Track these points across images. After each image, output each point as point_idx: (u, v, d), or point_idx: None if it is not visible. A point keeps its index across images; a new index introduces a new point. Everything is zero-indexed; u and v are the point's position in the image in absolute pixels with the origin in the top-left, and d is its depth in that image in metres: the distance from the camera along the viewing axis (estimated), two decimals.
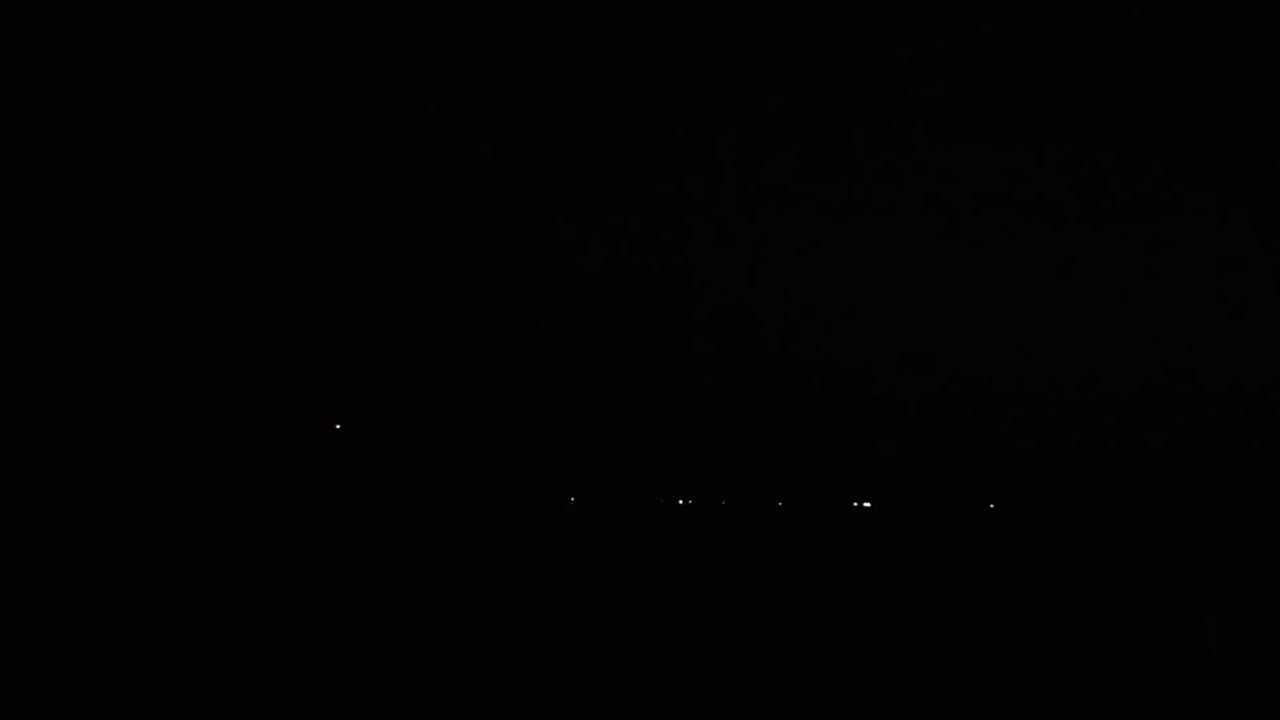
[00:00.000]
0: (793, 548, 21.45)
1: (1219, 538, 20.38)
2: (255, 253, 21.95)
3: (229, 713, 10.80)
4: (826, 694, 11.65)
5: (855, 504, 23.26)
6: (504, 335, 22.71)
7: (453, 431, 22.66)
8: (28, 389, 20.51)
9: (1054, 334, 22.92)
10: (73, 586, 15.64)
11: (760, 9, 22.17)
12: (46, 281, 20.88)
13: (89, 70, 21.01)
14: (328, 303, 22.20)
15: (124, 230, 21.42)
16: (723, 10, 22.21)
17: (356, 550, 19.35)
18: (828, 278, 23.24)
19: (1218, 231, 22.24)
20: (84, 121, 21.16)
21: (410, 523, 21.57)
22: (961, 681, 12.09)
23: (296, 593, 15.98)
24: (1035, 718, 11.11)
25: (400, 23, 22.03)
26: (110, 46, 21.03)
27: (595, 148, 22.75)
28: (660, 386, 22.99)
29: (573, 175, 22.76)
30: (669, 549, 20.97)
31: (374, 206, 22.44)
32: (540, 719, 10.89)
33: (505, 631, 14.00)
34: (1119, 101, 22.14)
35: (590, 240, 22.81)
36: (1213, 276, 22.17)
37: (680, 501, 23.41)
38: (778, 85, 22.52)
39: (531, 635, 13.90)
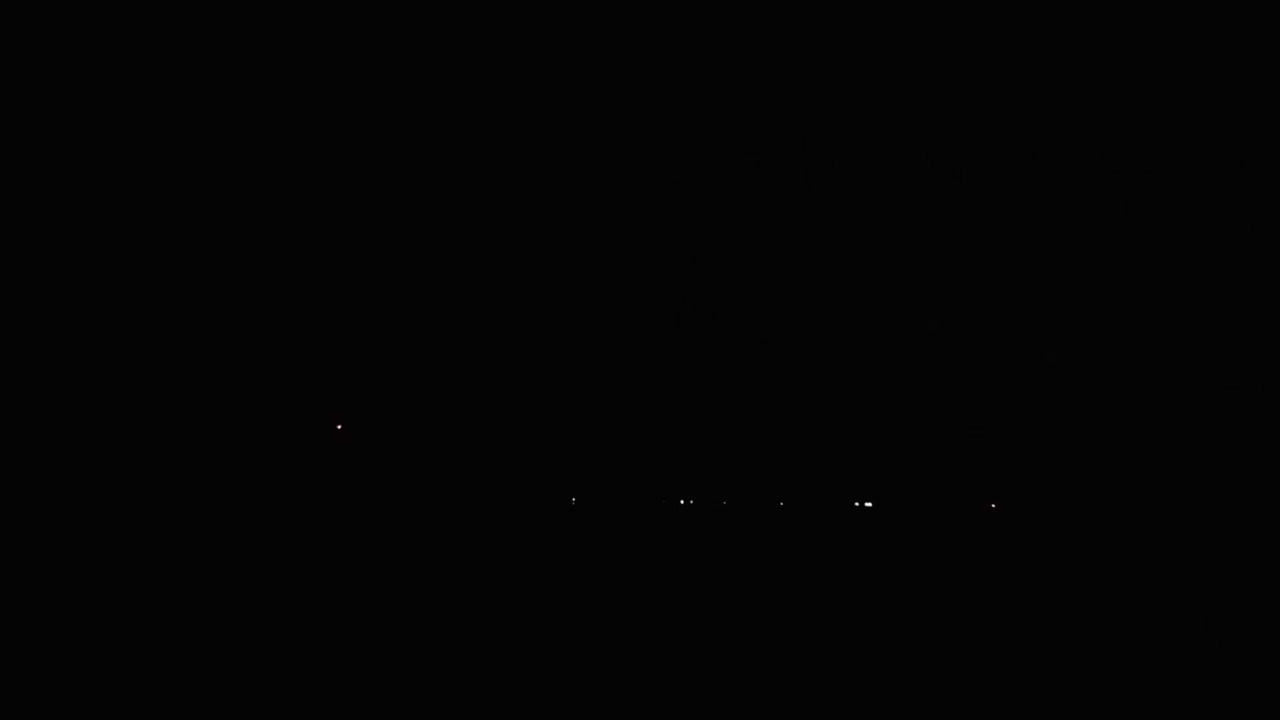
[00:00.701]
0: (794, 547, 21.45)
1: (1221, 539, 20.37)
2: (255, 252, 21.96)
3: (229, 713, 10.82)
4: (829, 695, 11.65)
5: (856, 504, 23.26)
6: (502, 335, 22.72)
7: (453, 431, 22.67)
8: (27, 389, 20.52)
9: (1056, 333, 22.92)
10: (72, 586, 15.65)
11: (762, 10, 22.18)
12: (47, 282, 20.89)
13: (89, 70, 21.02)
14: (328, 303, 22.21)
15: (124, 231, 21.43)
16: (724, 11, 22.21)
17: (356, 551, 19.36)
18: (829, 276, 23.24)
19: (1218, 232, 22.23)
20: (84, 121, 21.17)
21: (410, 523, 21.58)
22: (963, 682, 12.09)
23: (296, 593, 15.98)
24: (1036, 718, 11.12)
25: (404, 23, 22.04)
26: (110, 46, 21.05)
27: (591, 146, 22.76)
28: (660, 386, 22.99)
29: (570, 174, 22.77)
30: (671, 549, 20.98)
31: (374, 206, 22.45)
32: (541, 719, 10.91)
33: (506, 632, 14.00)
34: (1118, 102, 22.14)
35: (591, 241, 22.81)
36: (1214, 276, 22.17)
37: (682, 502, 23.42)
38: (775, 81, 22.53)
39: (532, 636, 13.90)
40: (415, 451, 22.45)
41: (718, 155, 22.98)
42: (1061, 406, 22.55)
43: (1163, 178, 22.30)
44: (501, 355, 22.73)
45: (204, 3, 21.15)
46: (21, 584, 15.75)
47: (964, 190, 23.04)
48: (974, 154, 22.81)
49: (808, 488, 23.24)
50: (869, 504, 23.13)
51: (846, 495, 23.18)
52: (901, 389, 23.02)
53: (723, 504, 23.32)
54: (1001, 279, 23.02)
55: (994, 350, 22.91)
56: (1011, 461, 22.61)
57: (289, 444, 21.75)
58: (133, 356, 21.19)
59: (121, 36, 21.06)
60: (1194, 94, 21.88)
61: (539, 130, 22.69)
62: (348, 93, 22.13)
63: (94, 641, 12.74)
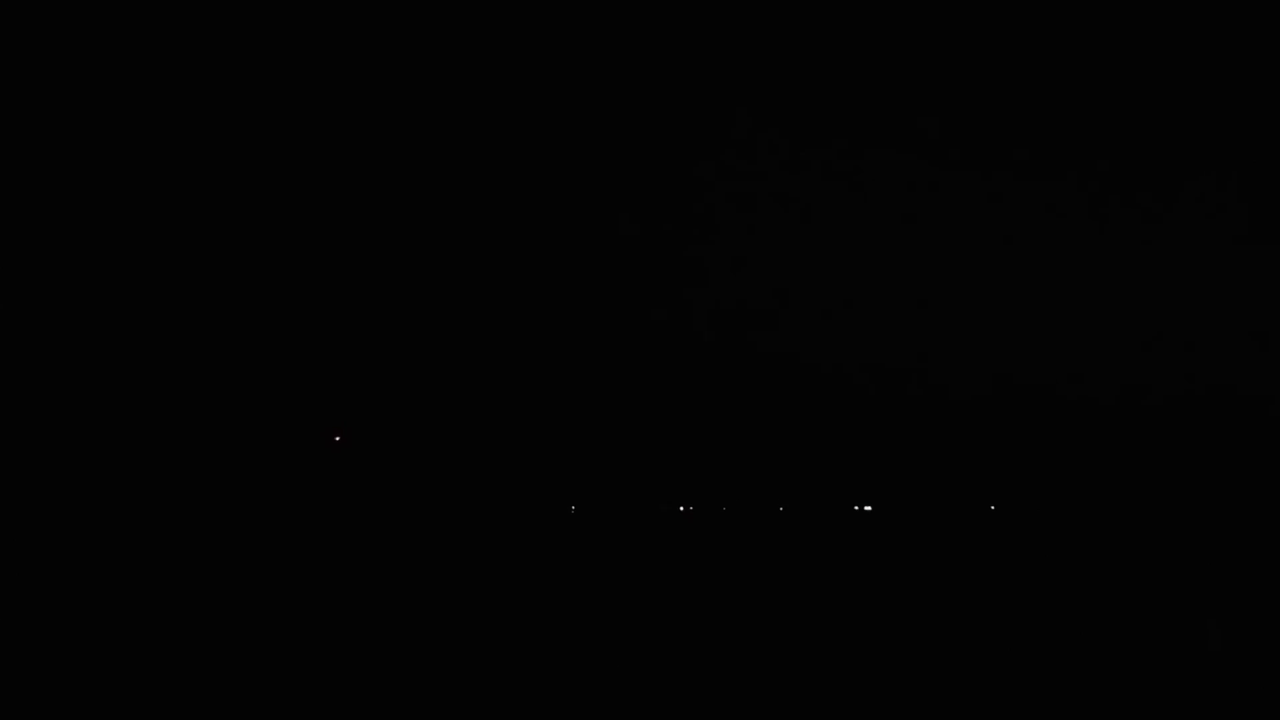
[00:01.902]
0: (794, 551, 21.45)
1: (1220, 538, 20.37)
2: (259, 262, 21.97)
3: (229, 713, 10.84)
4: (829, 699, 11.67)
5: (856, 507, 23.26)
6: (503, 343, 22.72)
7: (452, 440, 22.66)
8: (31, 399, 20.50)
9: (1055, 336, 22.93)
10: (75, 593, 15.66)
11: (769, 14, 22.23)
12: (47, 284, 20.88)
13: (89, 70, 21.03)
14: (328, 312, 22.21)
15: (127, 235, 21.43)
16: (733, 14, 22.26)
17: (358, 561, 19.34)
18: (828, 280, 23.26)
19: (1217, 231, 22.25)
20: (84, 121, 21.17)
21: (412, 532, 21.56)
22: (963, 684, 12.10)
23: (298, 604, 15.98)
24: (1036, 718, 11.13)
25: (409, 23, 22.07)
26: (110, 47, 21.06)
27: (593, 149, 22.77)
28: (660, 392, 22.99)
29: (572, 180, 22.78)
30: (670, 555, 20.96)
31: (375, 214, 22.47)
32: None
33: (507, 640, 14.01)
34: (1119, 103, 22.18)
35: (590, 245, 22.83)
36: (1213, 276, 22.19)
37: (681, 508, 23.42)
38: (782, 88, 22.56)
39: (533, 644, 13.91)
40: (415, 460, 22.44)
41: (716, 159, 23.00)
42: (1061, 409, 22.56)
43: (1165, 182, 22.32)
44: (501, 365, 22.73)
45: (205, 3, 21.16)
46: (23, 587, 15.76)
47: (963, 196, 23.06)
48: (974, 161, 22.84)
49: (807, 492, 23.24)
50: (869, 507, 23.14)
51: (846, 499, 23.19)
52: (901, 393, 23.03)
53: (722, 509, 23.32)
54: (1001, 285, 23.05)
55: (993, 354, 22.93)
56: (1010, 464, 22.62)
57: (288, 455, 21.74)
58: (137, 367, 21.19)
59: (122, 37, 21.07)
60: (1193, 95, 21.92)
61: (537, 138, 22.70)
62: (354, 101, 22.16)
63: (95, 642, 12.77)
